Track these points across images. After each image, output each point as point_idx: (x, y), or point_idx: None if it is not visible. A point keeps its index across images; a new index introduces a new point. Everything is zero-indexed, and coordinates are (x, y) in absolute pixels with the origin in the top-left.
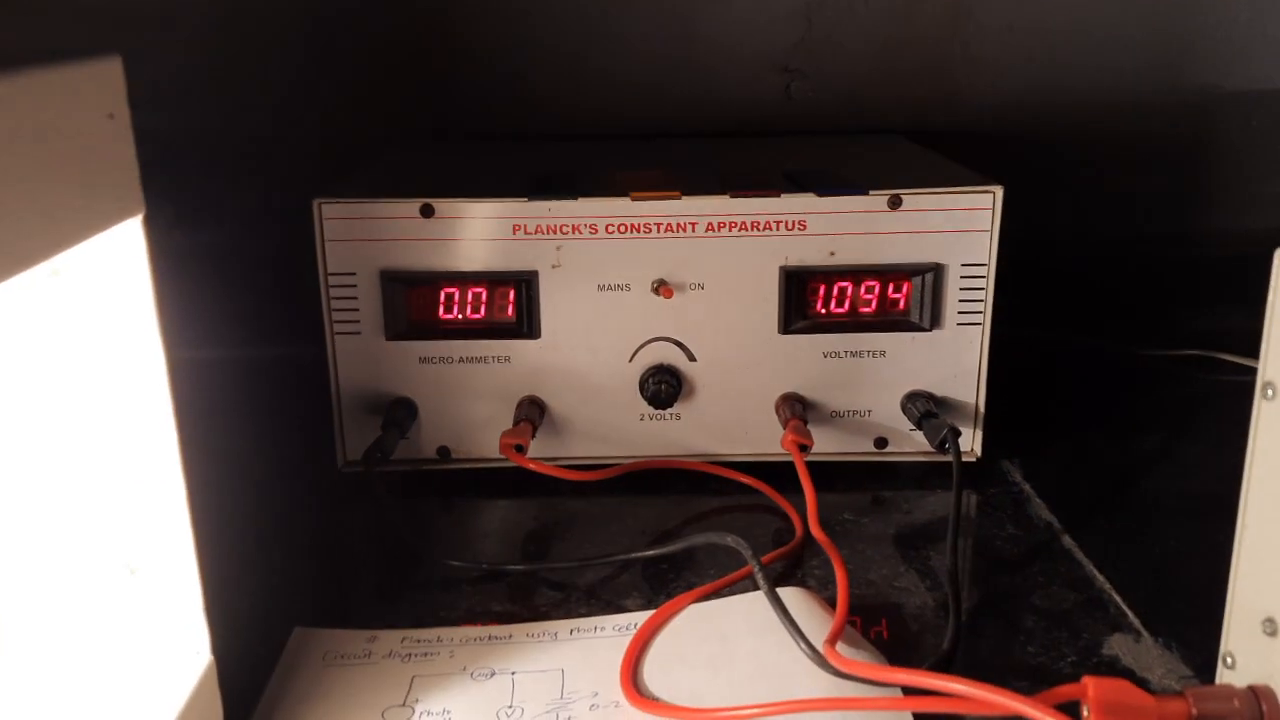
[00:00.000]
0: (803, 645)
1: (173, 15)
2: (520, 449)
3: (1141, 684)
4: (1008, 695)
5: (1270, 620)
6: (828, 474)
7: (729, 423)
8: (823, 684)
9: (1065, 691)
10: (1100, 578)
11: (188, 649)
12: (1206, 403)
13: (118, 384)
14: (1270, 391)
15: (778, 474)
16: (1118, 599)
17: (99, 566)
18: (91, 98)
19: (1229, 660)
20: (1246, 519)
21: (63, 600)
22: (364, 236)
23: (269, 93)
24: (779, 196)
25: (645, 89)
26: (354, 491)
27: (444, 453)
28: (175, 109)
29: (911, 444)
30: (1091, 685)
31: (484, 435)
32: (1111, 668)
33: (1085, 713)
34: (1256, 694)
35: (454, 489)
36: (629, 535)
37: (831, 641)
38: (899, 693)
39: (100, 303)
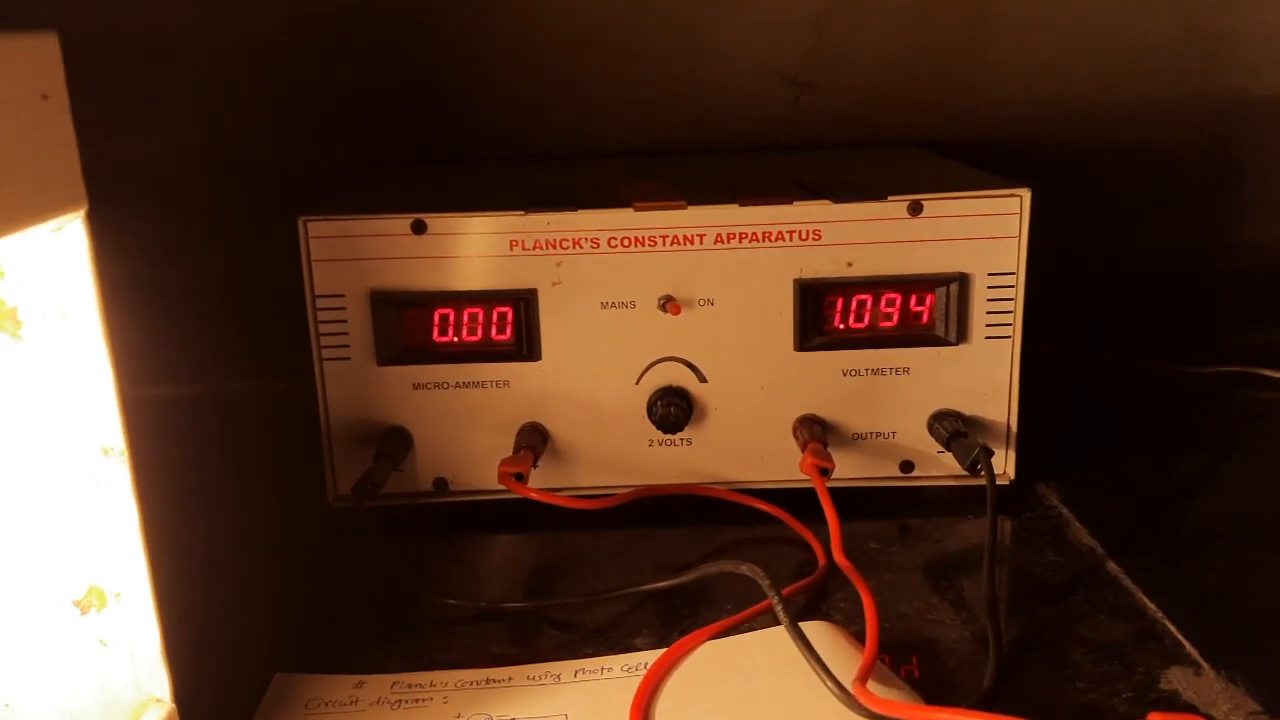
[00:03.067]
0: (830, 683)
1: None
2: (520, 478)
3: None
4: None
5: None
6: (851, 501)
7: (744, 447)
8: None
9: None
10: (1151, 606)
11: (146, 694)
12: (1249, 421)
13: (63, 403)
14: None
15: (797, 501)
16: (1172, 628)
17: (45, 602)
18: (21, 76)
19: None
20: None
21: (8, 639)
22: (353, 255)
23: (254, 117)
24: (791, 204)
25: (648, 105)
26: (344, 527)
27: (441, 485)
28: (155, 135)
29: (940, 467)
30: None
31: (483, 465)
32: (1171, 704)
33: None
34: None
35: (452, 524)
36: (639, 570)
37: (862, 679)
38: None
39: (40, 309)
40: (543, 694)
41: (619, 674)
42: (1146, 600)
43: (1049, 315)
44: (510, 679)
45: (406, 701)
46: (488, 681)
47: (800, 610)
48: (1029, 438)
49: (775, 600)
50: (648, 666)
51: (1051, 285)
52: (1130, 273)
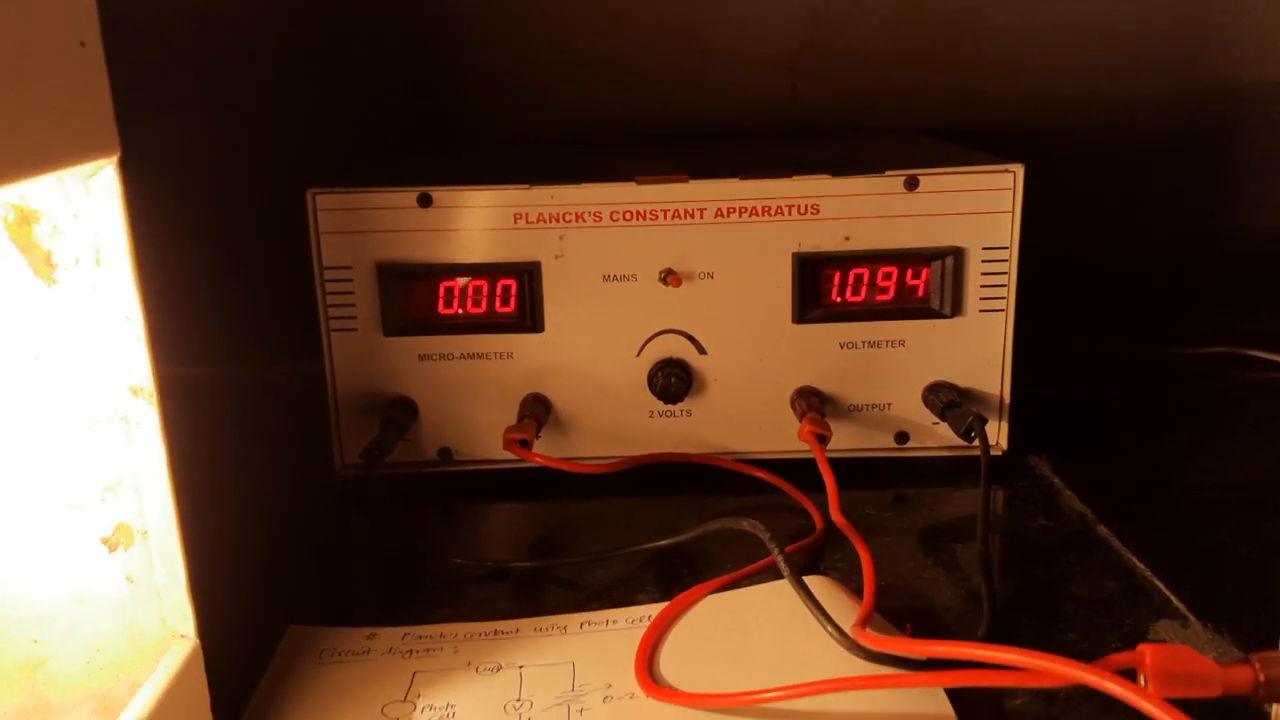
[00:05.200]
0: (829, 628)
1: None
2: (525, 444)
3: None
4: (1062, 662)
5: None
6: (848, 471)
7: (743, 418)
8: (852, 670)
9: (1121, 659)
10: (1140, 565)
11: (172, 630)
12: (1238, 399)
13: (94, 345)
14: None
15: (796, 471)
16: (1160, 585)
17: (74, 539)
18: (60, 22)
19: None
20: None
21: (38, 576)
22: (360, 228)
23: (261, 98)
24: (790, 178)
25: (649, 93)
26: (352, 494)
27: (446, 454)
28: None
29: (934, 438)
30: (1150, 653)
31: (487, 435)
32: None
33: (1143, 682)
34: None
35: (457, 492)
36: (640, 536)
37: (861, 624)
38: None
39: (74, 254)
40: (550, 644)
41: (623, 625)
42: (1135, 560)
43: (1044, 297)
44: (518, 630)
45: (418, 651)
46: (496, 633)
47: (798, 569)
48: (1023, 414)
49: (776, 552)
50: (651, 619)
51: (1047, 268)
52: (1123, 257)
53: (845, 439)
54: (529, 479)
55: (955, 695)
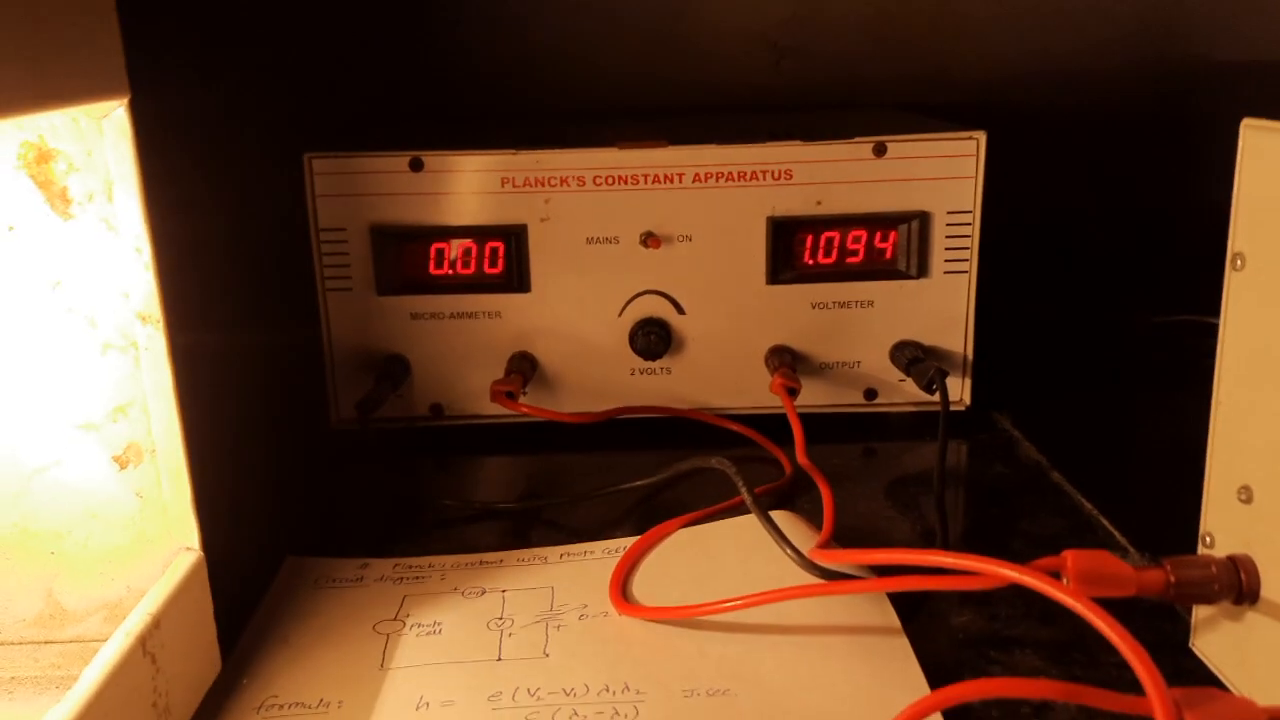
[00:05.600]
0: (788, 550)
1: None
2: (511, 395)
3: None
4: (995, 564)
5: (1246, 488)
6: (819, 426)
7: (719, 375)
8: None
9: (1046, 563)
10: (1088, 506)
11: (178, 542)
12: (1195, 363)
13: (106, 275)
14: (1239, 262)
15: (770, 425)
16: (1105, 522)
17: (88, 458)
18: None
19: (1208, 540)
20: (1220, 393)
21: (54, 492)
22: (354, 191)
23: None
24: (765, 145)
25: (635, 69)
26: (348, 445)
27: (437, 409)
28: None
29: (902, 394)
30: (1071, 556)
31: (476, 392)
32: None
33: (1065, 582)
34: (1235, 563)
35: (448, 447)
36: (621, 483)
37: (818, 547)
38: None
39: (87, 190)
40: (531, 572)
41: (600, 555)
42: (1083, 501)
43: (1011, 263)
44: (502, 561)
45: (407, 579)
46: (481, 563)
47: (766, 509)
48: (990, 374)
49: (740, 483)
50: (626, 549)
51: (1016, 236)
52: (1089, 228)
53: (817, 395)
54: (517, 434)
55: (905, 614)
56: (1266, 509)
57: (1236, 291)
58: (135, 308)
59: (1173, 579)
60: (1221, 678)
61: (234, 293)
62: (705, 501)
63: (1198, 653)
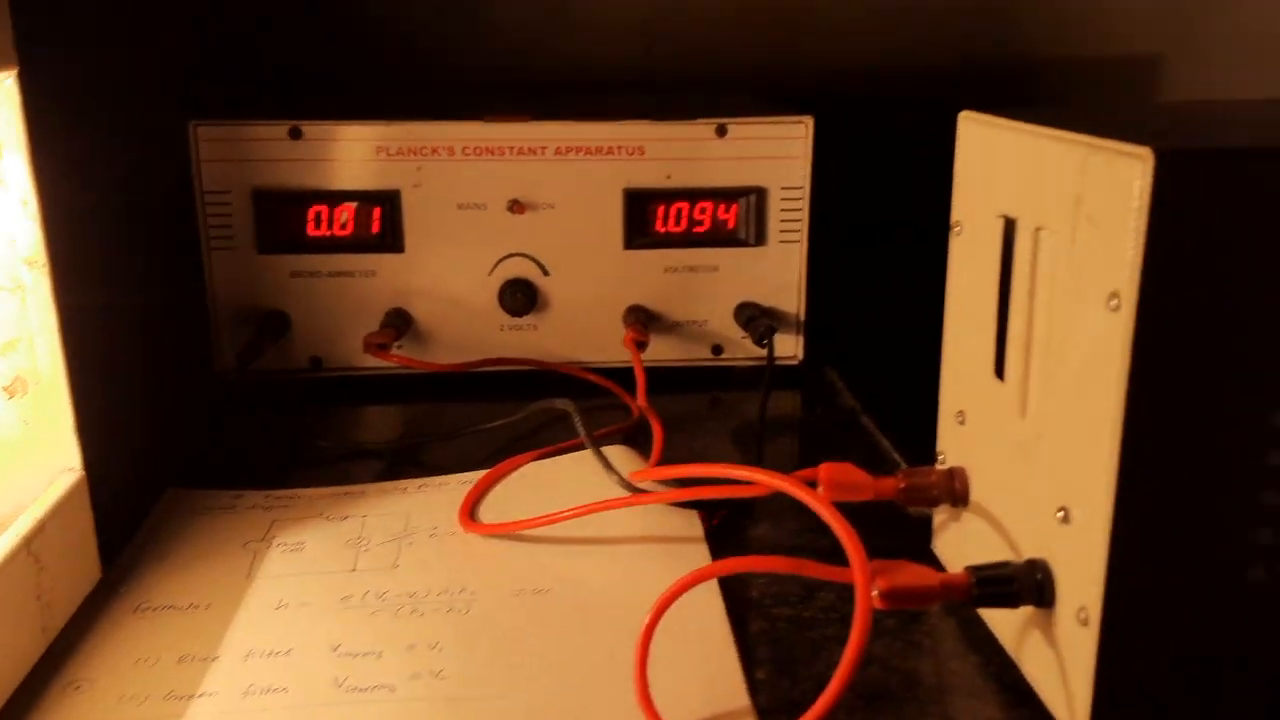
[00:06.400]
0: (612, 474)
1: None
2: (383, 347)
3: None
4: (765, 474)
5: (960, 413)
6: (671, 379)
7: (581, 332)
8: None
9: (805, 474)
10: (885, 442)
11: (62, 464)
12: None
13: None
14: (958, 229)
15: (627, 378)
16: (898, 458)
17: None
18: None
19: (941, 458)
20: (947, 335)
21: None
22: (237, 157)
23: (147, 33)
24: (618, 122)
25: (515, 51)
26: (230, 392)
27: (316, 362)
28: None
29: (744, 350)
30: (824, 468)
31: (354, 346)
32: None
33: (820, 489)
34: (952, 473)
35: (327, 397)
36: (489, 431)
37: (640, 474)
38: None
39: None
40: (391, 500)
41: (454, 486)
42: (882, 439)
43: (851, 232)
44: (365, 492)
45: (277, 506)
46: (346, 494)
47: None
48: (823, 334)
49: (577, 422)
50: (478, 480)
51: (856, 218)
52: (928, 216)
53: (669, 351)
54: (395, 384)
55: (720, 531)
56: (974, 428)
57: (955, 253)
58: (21, 254)
59: (901, 485)
60: (948, 569)
61: (122, 245)
62: (557, 439)
63: (936, 553)
